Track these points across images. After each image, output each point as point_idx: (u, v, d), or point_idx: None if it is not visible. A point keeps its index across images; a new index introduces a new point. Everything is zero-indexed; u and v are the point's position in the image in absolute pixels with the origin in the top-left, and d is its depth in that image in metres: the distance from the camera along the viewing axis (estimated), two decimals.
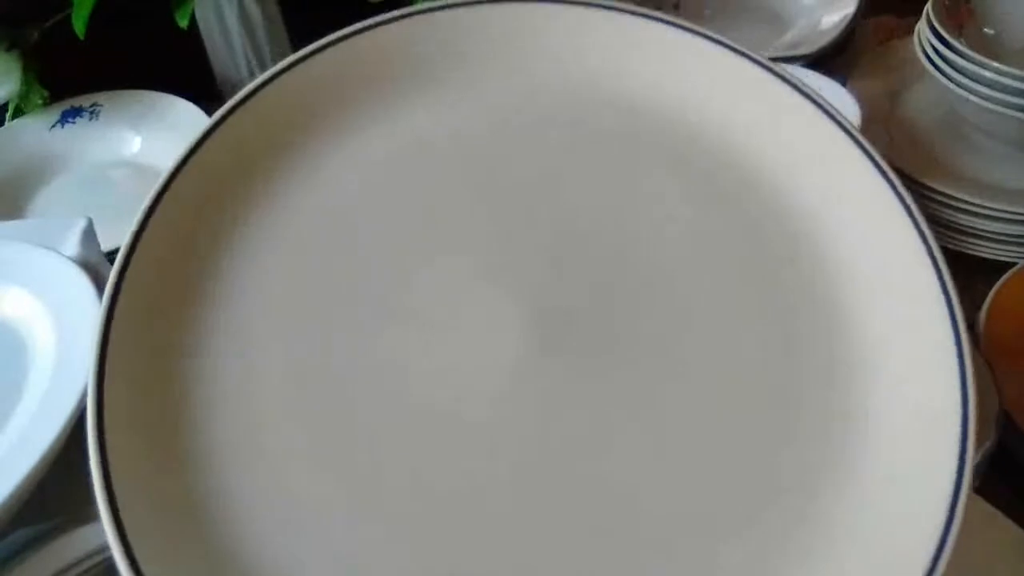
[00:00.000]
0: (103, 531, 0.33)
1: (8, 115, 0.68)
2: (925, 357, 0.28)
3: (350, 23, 0.76)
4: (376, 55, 0.35)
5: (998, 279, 0.56)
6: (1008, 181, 0.60)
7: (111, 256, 0.52)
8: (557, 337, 0.29)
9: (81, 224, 0.43)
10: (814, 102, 0.32)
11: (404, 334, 0.30)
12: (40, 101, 0.67)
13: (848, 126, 0.31)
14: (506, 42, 0.35)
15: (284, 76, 0.35)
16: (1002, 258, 0.59)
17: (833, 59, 0.66)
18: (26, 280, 0.41)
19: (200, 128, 0.60)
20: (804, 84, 0.33)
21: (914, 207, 0.29)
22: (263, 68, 0.71)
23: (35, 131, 0.67)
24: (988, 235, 0.59)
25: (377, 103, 0.35)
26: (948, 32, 0.58)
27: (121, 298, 0.29)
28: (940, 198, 0.59)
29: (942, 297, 0.29)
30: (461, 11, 0.35)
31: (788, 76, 0.33)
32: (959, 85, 0.58)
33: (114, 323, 0.28)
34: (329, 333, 0.30)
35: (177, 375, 0.29)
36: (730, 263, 0.31)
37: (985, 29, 0.63)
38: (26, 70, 0.66)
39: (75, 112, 0.68)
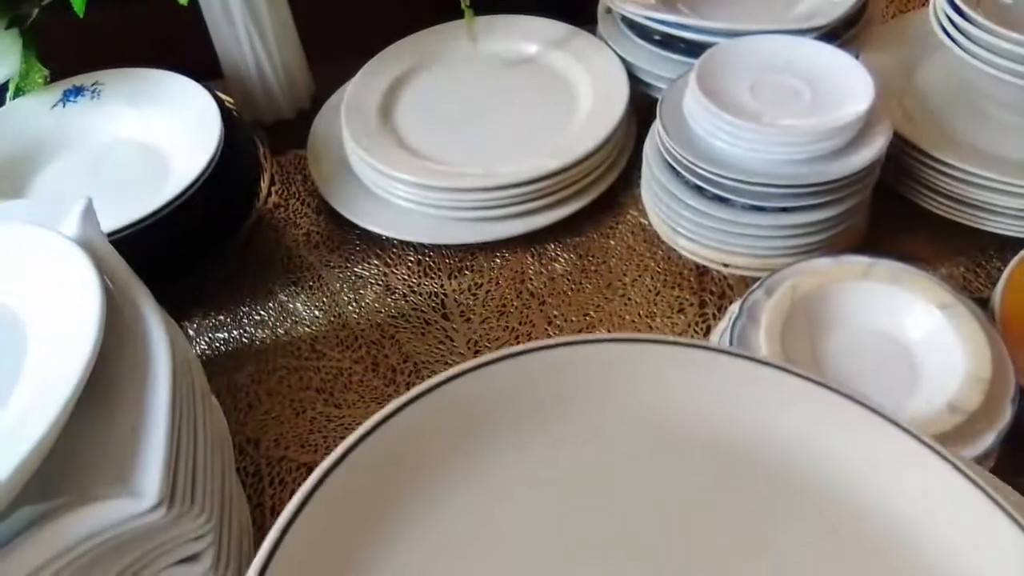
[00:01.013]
0: (108, 511, 0.33)
1: (8, 95, 0.67)
2: None
3: (352, 2, 0.75)
4: (495, 393, 0.37)
5: (1014, 255, 0.54)
6: (1022, 154, 0.59)
7: (111, 236, 0.52)
8: None
9: (81, 204, 0.42)
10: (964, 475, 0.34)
11: None
12: (41, 80, 0.67)
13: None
14: (633, 380, 0.37)
15: (394, 418, 0.35)
16: (1017, 234, 0.58)
17: (847, 31, 0.64)
18: (26, 260, 0.40)
19: (211, 126, 0.60)
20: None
21: None
22: (265, 44, 0.71)
23: (36, 111, 0.66)
24: (1004, 210, 0.57)
25: (488, 441, 0.36)
26: (964, 2, 0.57)
27: None
28: (955, 172, 0.57)
29: None
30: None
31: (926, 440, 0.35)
32: (975, 56, 0.56)
33: None
34: None
35: None
36: None
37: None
38: (26, 49, 0.65)
39: (76, 91, 0.68)
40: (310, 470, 0.51)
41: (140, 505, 0.33)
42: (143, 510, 0.33)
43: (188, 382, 0.40)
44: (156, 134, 0.65)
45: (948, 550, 0.33)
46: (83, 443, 0.35)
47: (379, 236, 0.64)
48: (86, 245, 0.40)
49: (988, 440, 0.45)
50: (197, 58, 0.71)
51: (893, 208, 0.61)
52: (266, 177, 0.68)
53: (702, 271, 0.61)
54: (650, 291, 0.60)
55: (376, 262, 0.64)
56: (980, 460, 0.45)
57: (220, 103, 0.64)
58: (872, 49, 0.66)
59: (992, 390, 0.46)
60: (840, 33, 0.64)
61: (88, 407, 0.35)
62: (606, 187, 0.65)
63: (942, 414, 0.45)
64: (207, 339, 0.59)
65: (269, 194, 0.68)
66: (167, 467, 0.34)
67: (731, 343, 0.49)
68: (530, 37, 0.73)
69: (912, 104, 0.63)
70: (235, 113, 0.69)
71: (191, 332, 0.60)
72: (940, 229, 0.60)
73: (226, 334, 0.59)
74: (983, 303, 0.53)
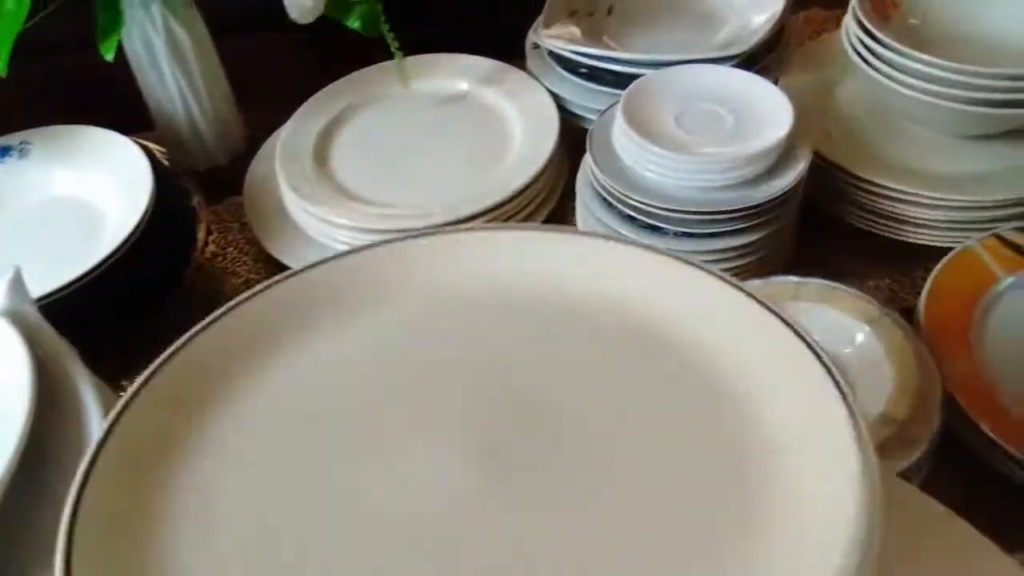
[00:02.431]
0: None
1: None
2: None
3: (279, 45, 0.75)
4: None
5: (935, 265, 0.56)
6: (941, 168, 0.61)
7: (45, 300, 0.51)
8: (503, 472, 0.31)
9: (8, 274, 0.42)
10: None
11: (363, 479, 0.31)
12: None
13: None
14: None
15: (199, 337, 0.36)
16: (939, 244, 0.60)
17: (765, 56, 0.67)
18: None
19: (142, 180, 0.60)
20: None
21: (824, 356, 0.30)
22: (196, 95, 0.71)
23: None
24: (924, 222, 0.60)
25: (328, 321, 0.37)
26: (873, 24, 0.59)
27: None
28: (876, 189, 0.59)
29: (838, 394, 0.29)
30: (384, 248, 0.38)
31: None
32: (887, 77, 0.59)
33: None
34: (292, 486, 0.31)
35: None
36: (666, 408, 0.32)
37: (910, 20, 0.64)
38: None
39: (3, 151, 0.67)
40: None
41: None
42: None
43: None
44: (87, 191, 0.64)
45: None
46: (18, 524, 0.34)
47: None
48: (15, 318, 0.40)
49: (920, 447, 0.46)
50: (128, 109, 0.71)
51: (821, 225, 0.63)
52: (202, 227, 0.68)
53: None
54: None
55: None
56: (914, 467, 0.46)
57: (151, 155, 0.64)
58: (791, 73, 0.68)
59: (920, 399, 0.47)
60: (759, 59, 0.66)
61: (22, 486, 0.35)
62: (542, 220, 0.66)
63: (875, 426, 0.46)
64: None
65: (207, 244, 0.68)
66: None
67: None
68: (460, 75, 0.74)
69: (832, 124, 0.65)
70: (167, 163, 0.69)
71: None
72: (866, 243, 0.62)
73: None
74: (909, 312, 0.55)
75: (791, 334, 0.31)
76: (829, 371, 0.29)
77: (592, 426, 0.32)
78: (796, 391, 0.30)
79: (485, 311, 0.37)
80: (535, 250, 0.38)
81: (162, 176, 0.63)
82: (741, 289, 0.34)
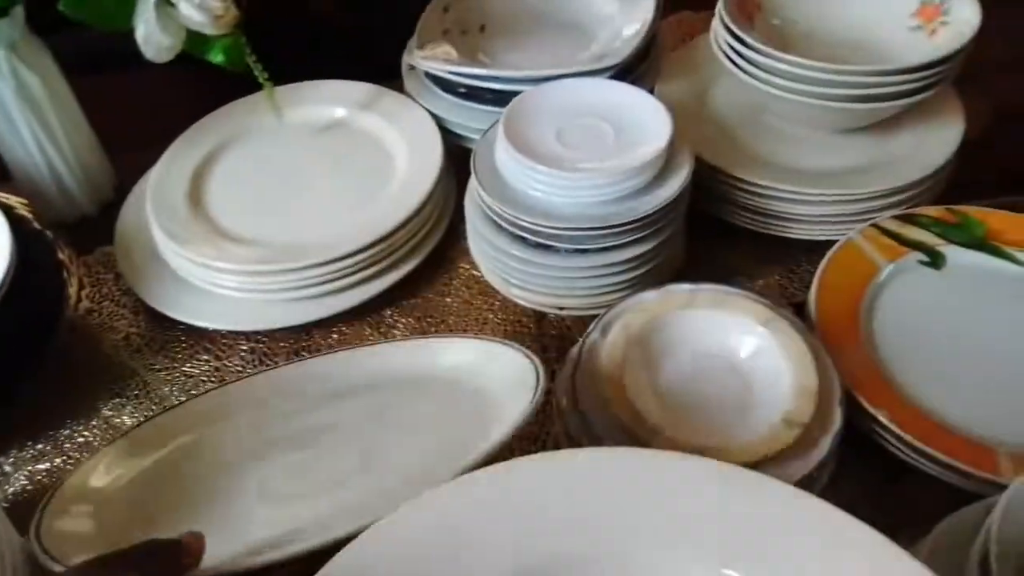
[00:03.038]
0: None
1: None
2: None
3: (145, 84, 0.72)
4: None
5: (821, 259, 0.58)
6: (817, 164, 0.63)
7: None
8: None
9: None
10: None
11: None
12: None
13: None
14: None
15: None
16: (822, 237, 0.61)
17: (639, 66, 0.67)
18: None
19: (3, 253, 0.56)
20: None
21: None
22: (54, 142, 0.66)
23: None
24: (806, 218, 0.61)
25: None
26: (739, 27, 0.60)
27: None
28: (756, 189, 0.60)
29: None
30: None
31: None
32: (755, 78, 0.60)
33: None
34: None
35: None
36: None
37: (773, 21, 0.65)
38: None
39: None
40: None
41: None
42: None
43: None
44: None
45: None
46: None
47: (205, 329, 0.61)
48: None
49: (825, 447, 0.47)
50: None
51: (709, 228, 0.64)
52: (73, 281, 0.63)
53: (540, 316, 0.61)
54: None
55: (206, 357, 0.60)
56: (821, 466, 0.47)
57: (9, 210, 0.60)
58: (666, 79, 0.69)
59: (821, 398, 0.48)
60: (633, 68, 0.66)
61: None
62: (434, 244, 0.64)
63: (779, 429, 0.46)
64: (26, 473, 0.54)
65: (79, 299, 0.63)
66: None
67: (574, 387, 0.50)
68: (335, 101, 0.71)
69: (709, 128, 0.66)
70: (29, 216, 0.65)
71: (8, 468, 0.54)
72: (753, 242, 0.63)
73: (48, 464, 0.55)
74: (800, 307, 0.56)
75: (516, 352, 0.51)
76: (532, 363, 0.49)
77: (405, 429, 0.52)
78: (513, 381, 0.50)
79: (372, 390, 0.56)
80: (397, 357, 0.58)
81: (23, 231, 0.59)
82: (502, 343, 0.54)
